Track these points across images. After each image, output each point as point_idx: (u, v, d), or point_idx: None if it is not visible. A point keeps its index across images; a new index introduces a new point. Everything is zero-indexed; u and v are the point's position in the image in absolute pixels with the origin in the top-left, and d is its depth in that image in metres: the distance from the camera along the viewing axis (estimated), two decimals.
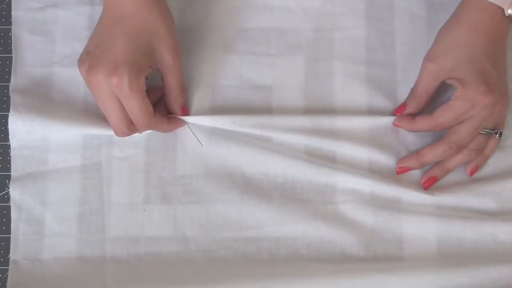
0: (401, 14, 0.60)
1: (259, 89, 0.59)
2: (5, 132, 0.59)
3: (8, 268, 0.57)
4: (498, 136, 0.57)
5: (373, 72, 0.59)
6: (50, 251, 0.57)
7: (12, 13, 0.61)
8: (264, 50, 0.60)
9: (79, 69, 0.52)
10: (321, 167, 0.57)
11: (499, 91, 0.53)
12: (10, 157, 0.59)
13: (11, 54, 0.60)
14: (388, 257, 0.57)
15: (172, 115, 0.57)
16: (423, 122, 0.55)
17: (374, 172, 0.58)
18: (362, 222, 0.57)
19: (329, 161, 0.58)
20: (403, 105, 0.57)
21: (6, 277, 0.57)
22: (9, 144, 0.59)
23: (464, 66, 0.53)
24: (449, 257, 0.57)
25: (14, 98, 0.58)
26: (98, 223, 0.58)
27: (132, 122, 0.54)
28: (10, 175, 0.59)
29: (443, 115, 0.54)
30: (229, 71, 0.59)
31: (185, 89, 0.57)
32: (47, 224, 0.58)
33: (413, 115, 0.57)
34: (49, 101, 0.59)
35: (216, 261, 0.57)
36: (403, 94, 0.58)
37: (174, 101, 0.56)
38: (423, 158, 0.56)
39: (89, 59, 0.52)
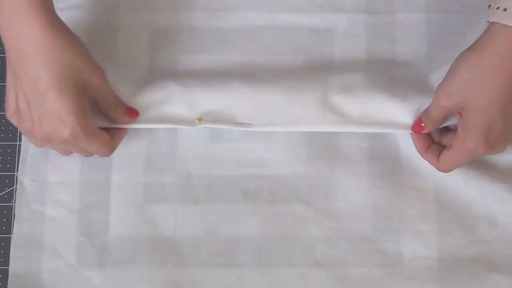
0: None
1: None
2: (6, 132, 0.60)
3: (8, 268, 0.58)
4: None
5: None
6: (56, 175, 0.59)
7: None
8: None
9: (18, 125, 0.53)
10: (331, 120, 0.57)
11: (501, 142, 0.53)
12: (9, 157, 0.59)
13: None
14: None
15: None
16: (431, 160, 0.56)
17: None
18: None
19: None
20: (420, 122, 0.56)
21: (6, 277, 0.57)
22: (10, 144, 0.60)
23: (473, 112, 0.52)
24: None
25: None
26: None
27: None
28: (9, 175, 0.59)
29: (447, 166, 0.55)
30: None
31: (118, 97, 0.56)
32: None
33: (428, 142, 0.57)
34: None
35: (217, 196, 0.58)
36: None
37: (116, 112, 0.55)
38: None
39: (26, 118, 0.51)
